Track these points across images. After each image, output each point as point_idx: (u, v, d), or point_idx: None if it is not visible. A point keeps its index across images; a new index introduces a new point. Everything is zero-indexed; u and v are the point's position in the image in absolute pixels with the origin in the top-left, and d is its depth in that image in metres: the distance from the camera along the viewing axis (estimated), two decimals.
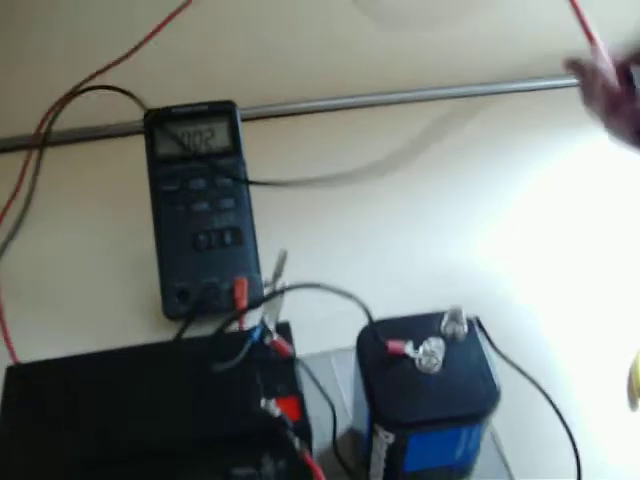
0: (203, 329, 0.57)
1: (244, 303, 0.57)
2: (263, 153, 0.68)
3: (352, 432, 0.52)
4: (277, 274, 0.45)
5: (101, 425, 0.42)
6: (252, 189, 0.62)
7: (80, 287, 0.64)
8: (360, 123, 0.80)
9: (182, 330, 0.57)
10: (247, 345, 0.43)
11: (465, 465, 0.47)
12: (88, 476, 0.42)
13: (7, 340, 0.57)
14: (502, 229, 0.69)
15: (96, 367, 0.45)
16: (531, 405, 0.51)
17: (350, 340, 0.45)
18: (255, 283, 0.59)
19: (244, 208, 0.61)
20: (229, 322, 0.43)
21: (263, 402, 0.41)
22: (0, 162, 0.75)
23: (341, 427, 0.52)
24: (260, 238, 0.61)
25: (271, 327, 0.44)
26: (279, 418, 0.40)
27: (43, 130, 0.66)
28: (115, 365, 0.45)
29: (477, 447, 0.45)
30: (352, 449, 0.51)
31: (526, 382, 0.49)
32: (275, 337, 0.44)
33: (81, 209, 0.70)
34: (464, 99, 0.82)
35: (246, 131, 0.63)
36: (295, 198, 0.69)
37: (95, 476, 0.42)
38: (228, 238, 0.60)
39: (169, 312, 0.59)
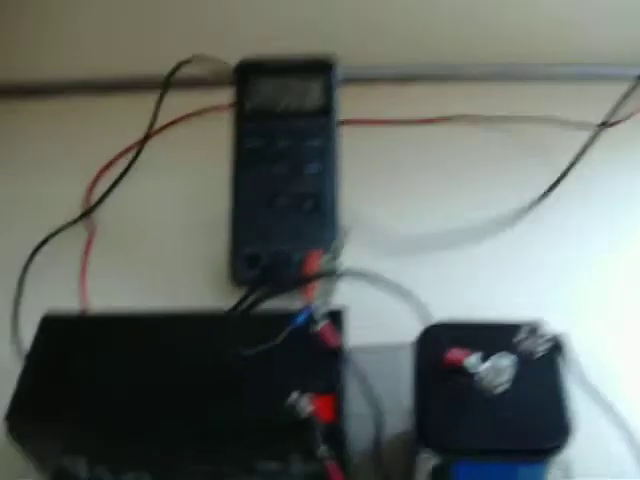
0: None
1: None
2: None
3: (405, 441, 0.47)
4: (335, 254, 0.40)
5: (115, 395, 0.39)
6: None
7: (159, 241, 0.62)
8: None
9: (244, 298, 0.53)
10: (286, 330, 0.38)
11: None
12: (99, 449, 0.40)
13: (84, 285, 0.57)
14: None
15: (127, 329, 0.42)
16: (615, 445, 0.43)
17: None
18: (332, 257, 0.54)
19: (330, 175, 0.56)
20: (263, 299, 0.38)
21: (293, 397, 0.36)
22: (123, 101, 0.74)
23: (395, 429, 0.47)
24: (344, 208, 0.56)
25: (320, 312, 0.39)
26: (307, 418, 0.35)
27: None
28: (147, 331, 0.41)
29: None
30: (403, 456, 0.46)
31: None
32: (323, 324, 0.39)
33: (177, 161, 0.68)
34: None
35: (353, 94, 0.58)
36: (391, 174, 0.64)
37: (104, 449, 0.39)
38: (308, 205, 0.55)
39: (236, 277, 0.55)
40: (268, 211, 0.55)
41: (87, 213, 0.64)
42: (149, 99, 0.66)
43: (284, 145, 0.56)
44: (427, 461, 0.36)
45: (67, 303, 0.49)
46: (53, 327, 0.42)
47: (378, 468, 0.43)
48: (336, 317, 0.40)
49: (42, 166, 0.68)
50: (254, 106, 0.56)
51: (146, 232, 0.63)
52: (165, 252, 0.61)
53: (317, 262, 0.52)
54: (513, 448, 0.35)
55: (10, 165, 0.69)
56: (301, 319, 0.39)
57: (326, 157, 0.56)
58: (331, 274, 0.39)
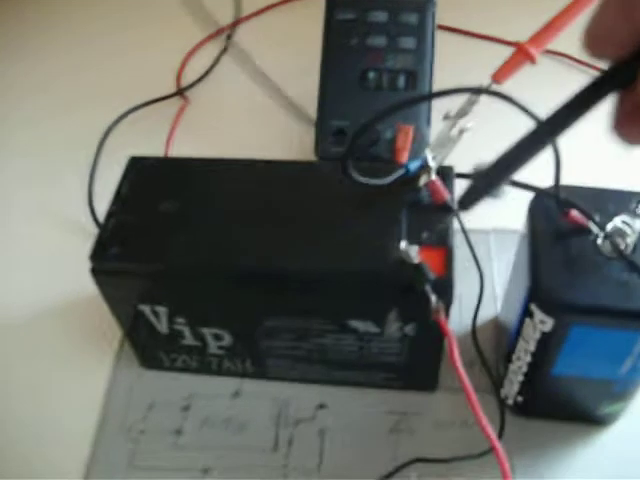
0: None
1: (405, 156, 0.50)
2: None
3: (497, 325, 0.45)
4: (463, 111, 0.37)
5: (213, 235, 0.37)
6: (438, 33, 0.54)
7: (247, 118, 0.61)
8: None
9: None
10: (398, 173, 0.36)
11: (627, 386, 0.38)
12: (181, 299, 0.38)
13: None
14: None
15: (218, 172, 0.40)
16: None
17: (517, 223, 0.38)
18: (422, 136, 0.52)
19: (425, 51, 0.53)
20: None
21: (403, 245, 0.34)
22: None
23: (484, 316, 0.45)
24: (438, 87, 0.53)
25: (433, 166, 0.37)
26: (418, 267, 0.33)
27: None
28: (239, 174, 0.40)
29: None
30: (493, 342, 0.44)
31: None
32: (434, 178, 0.37)
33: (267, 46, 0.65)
34: None
35: None
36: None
37: (186, 299, 0.38)
38: (401, 81, 0.53)
39: (321, 152, 0.53)
40: (359, 86, 0.53)
41: (180, 92, 0.63)
42: None
43: (379, 18, 0.53)
44: (540, 325, 0.34)
45: None
46: (140, 167, 0.40)
47: (474, 340, 0.41)
48: (446, 173, 0.38)
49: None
50: None
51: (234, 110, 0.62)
52: (250, 127, 0.59)
53: (408, 138, 0.50)
54: (636, 310, 0.33)
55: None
56: (413, 167, 0.37)
57: (422, 31, 0.53)
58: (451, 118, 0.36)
